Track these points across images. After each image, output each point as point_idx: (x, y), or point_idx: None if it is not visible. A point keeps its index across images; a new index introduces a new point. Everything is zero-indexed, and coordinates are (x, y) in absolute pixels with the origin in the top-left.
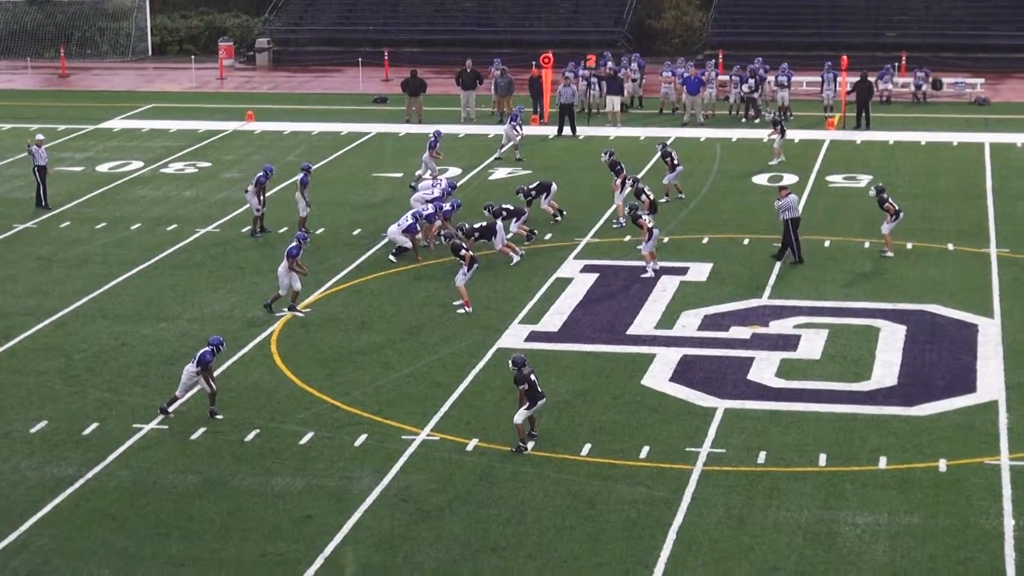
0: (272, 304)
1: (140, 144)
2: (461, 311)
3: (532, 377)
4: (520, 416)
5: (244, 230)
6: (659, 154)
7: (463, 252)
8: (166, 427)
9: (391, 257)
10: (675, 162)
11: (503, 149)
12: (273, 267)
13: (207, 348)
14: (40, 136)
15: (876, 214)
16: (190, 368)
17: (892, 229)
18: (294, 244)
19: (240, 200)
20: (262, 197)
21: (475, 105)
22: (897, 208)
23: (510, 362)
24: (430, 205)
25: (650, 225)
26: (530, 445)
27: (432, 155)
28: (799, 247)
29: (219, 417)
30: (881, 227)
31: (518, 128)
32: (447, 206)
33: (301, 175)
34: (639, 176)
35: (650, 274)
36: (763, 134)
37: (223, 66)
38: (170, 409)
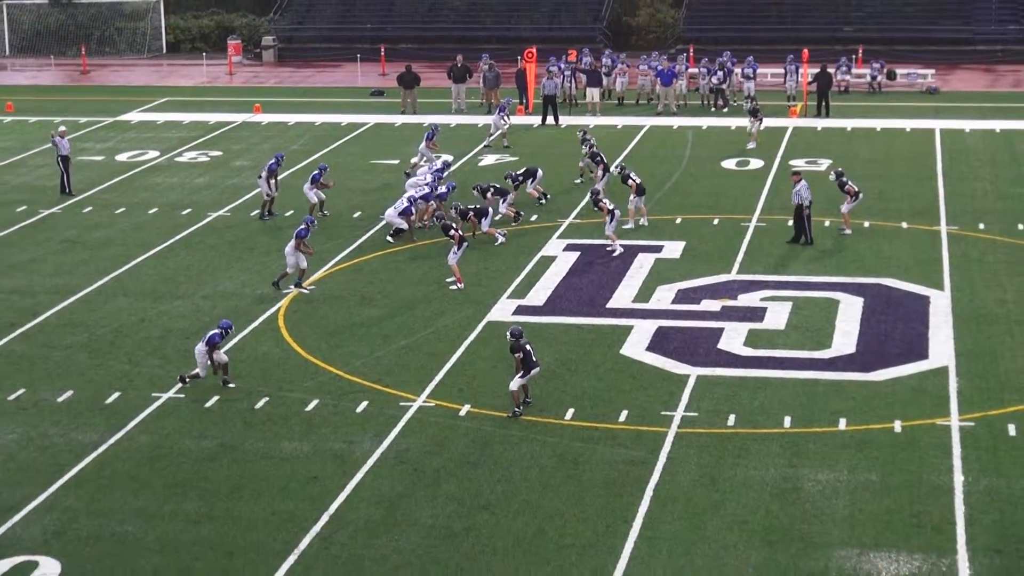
0: (280, 282)
1: (156, 135)
2: (454, 287)
3: (527, 347)
4: (515, 384)
5: (253, 213)
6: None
7: (452, 232)
8: (183, 396)
9: (389, 238)
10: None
11: (491, 137)
12: (280, 248)
13: (216, 330)
14: (63, 128)
15: (836, 195)
16: (200, 347)
17: (851, 209)
18: (303, 226)
19: (249, 186)
20: (273, 183)
21: (465, 97)
22: (857, 190)
23: (508, 333)
24: (426, 187)
25: (610, 207)
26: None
27: (429, 146)
28: (810, 229)
29: (231, 385)
30: (841, 207)
31: (505, 118)
32: (442, 188)
33: (315, 172)
34: (624, 163)
35: (618, 251)
36: (731, 122)
37: (232, 62)
38: (187, 378)
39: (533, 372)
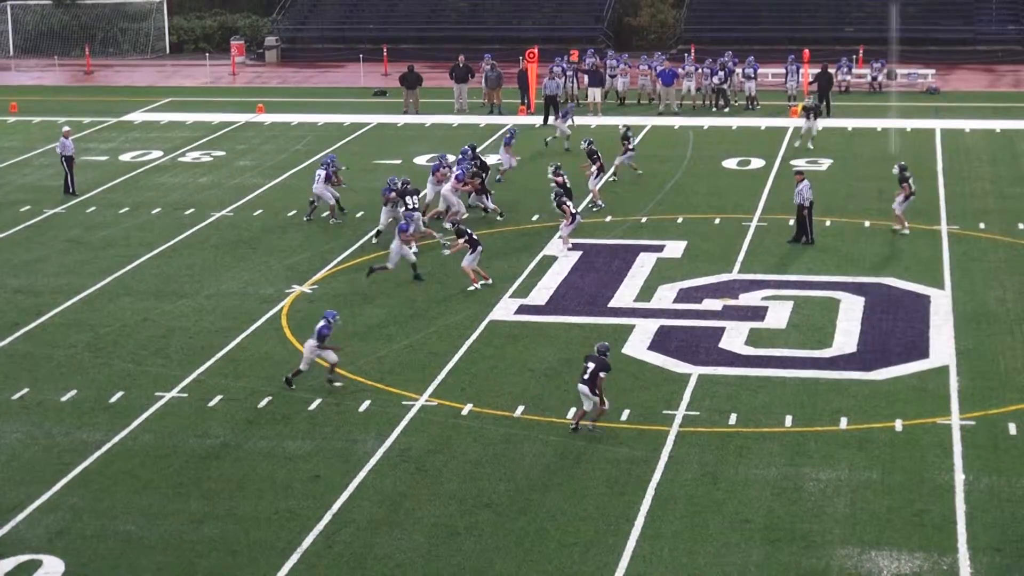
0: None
1: (159, 135)
2: (471, 288)
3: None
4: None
5: (256, 213)
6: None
7: (468, 237)
8: (185, 395)
9: (374, 240)
10: (630, 146)
11: (552, 139)
12: (283, 247)
13: (323, 323)
14: (67, 128)
15: (834, 194)
16: (311, 343)
17: (904, 209)
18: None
19: (252, 186)
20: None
21: (467, 97)
22: (912, 190)
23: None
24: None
25: (573, 211)
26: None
27: (508, 150)
28: (812, 229)
29: (337, 384)
30: (893, 204)
31: (571, 121)
32: (457, 170)
33: (322, 169)
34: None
35: (566, 254)
36: (732, 122)
37: (235, 63)
38: (291, 378)
39: (479, 250)
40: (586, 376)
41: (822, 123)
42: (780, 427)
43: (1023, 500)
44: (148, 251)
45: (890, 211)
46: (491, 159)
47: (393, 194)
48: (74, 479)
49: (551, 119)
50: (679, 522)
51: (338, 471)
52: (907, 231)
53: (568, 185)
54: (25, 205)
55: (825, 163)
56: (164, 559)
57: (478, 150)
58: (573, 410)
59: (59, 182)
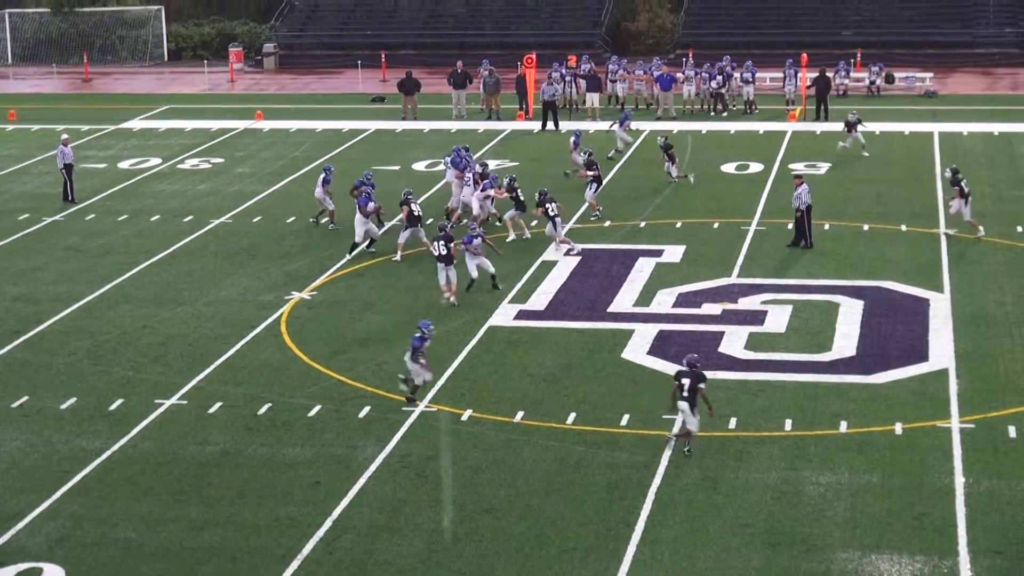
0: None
1: (158, 142)
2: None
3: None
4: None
5: (255, 220)
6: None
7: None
8: (185, 402)
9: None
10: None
11: (617, 151)
12: (282, 254)
13: (416, 334)
14: (65, 136)
15: (833, 198)
16: (406, 358)
17: (969, 212)
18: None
19: (251, 192)
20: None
21: (466, 103)
22: (967, 191)
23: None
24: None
25: (552, 214)
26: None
27: (576, 152)
28: (810, 233)
29: (413, 399)
30: (952, 209)
31: (629, 129)
32: (474, 172)
33: (323, 175)
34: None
35: (576, 250)
36: (730, 127)
37: (233, 69)
38: (411, 392)
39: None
40: (685, 393)
41: (820, 127)
42: (780, 431)
43: (1023, 503)
44: (147, 258)
45: (887, 215)
46: (492, 164)
47: (372, 204)
48: (74, 487)
49: (549, 124)
50: (679, 527)
51: (338, 477)
52: (982, 231)
53: (522, 198)
54: (24, 213)
55: (823, 167)
56: (164, 566)
57: (474, 155)
58: (574, 415)
59: (58, 190)
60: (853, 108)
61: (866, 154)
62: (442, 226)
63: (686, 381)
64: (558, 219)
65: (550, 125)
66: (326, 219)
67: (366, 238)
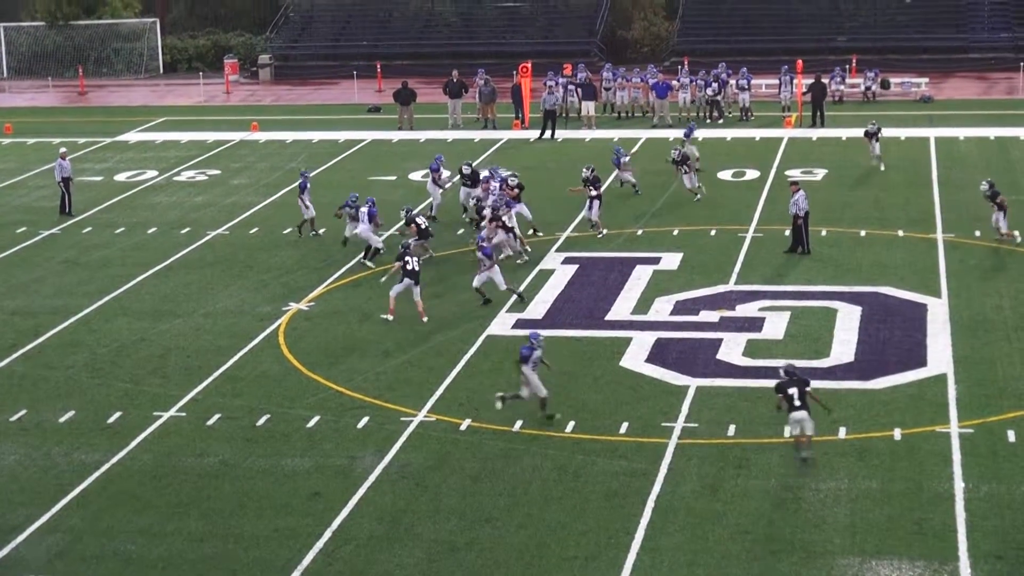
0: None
1: (154, 155)
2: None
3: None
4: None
5: (252, 231)
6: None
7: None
8: (184, 414)
9: (369, 263)
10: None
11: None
12: (279, 265)
13: (525, 344)
14: (63, 149)
15: (830, 204)
16: (525, 368)
17: (1007, 223)
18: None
19: (247, 204)
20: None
21: (461, 112)
22: (1004, 203)
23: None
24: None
25: (510, 224)
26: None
27: (623, 168)
28: (807, 239)
29: (556, 416)
30: (996, 222)
31: (695, 141)
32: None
33: (300, 180)
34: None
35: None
36: (727, 133)
37: (229, 81)
38: (507, 398)
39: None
40: (797, 403)
41: (816, 133)
42: (779, 438)
43: (1023, 507)
44: (144, 271)
45: (885, 220)
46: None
47: (347, 209)
48: (73, 500)
49: (547, 133)
50: (679, 534)
51: (337, 488)
52: (1018, 238)
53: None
54: (21, 226)
55: (820, 173)
56: None
57: (473, 164)
58: (572, 423)
59: (54, 203)
60: (872, 118)
61: (882, 168)
62: (404, 244)
63: (794, 391)
64: (515, 229)
65: (547, 134)
66: (307, 227)
67: (370, 249)
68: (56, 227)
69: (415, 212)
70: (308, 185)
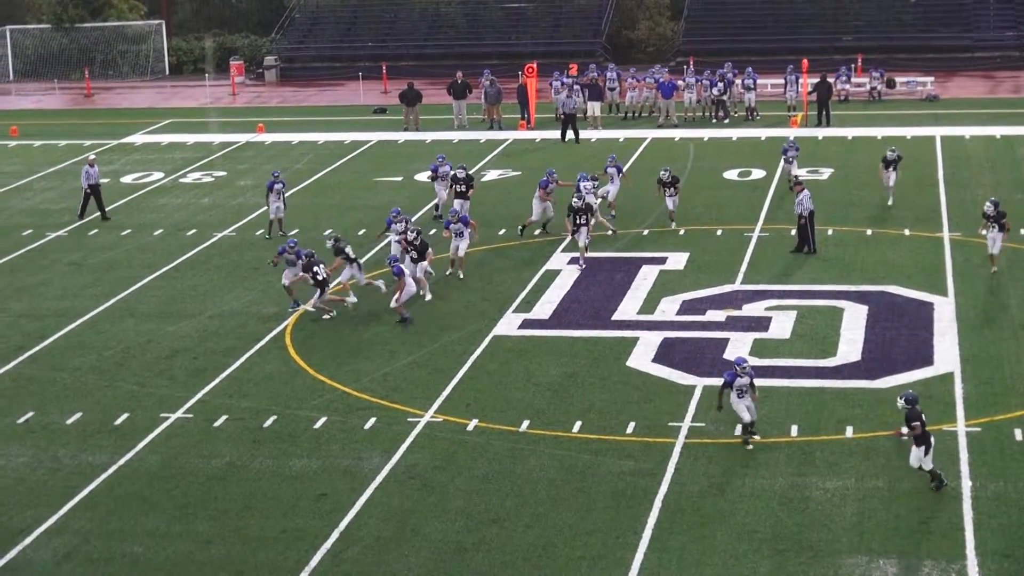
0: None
1: (160, 156)
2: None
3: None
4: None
5: (258, 232)
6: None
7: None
8: (191, 416)
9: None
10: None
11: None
12: (281, 268)
13: (729, 370)
14: (92, 156)
15: (835, 203)
16: (733, 397)
17: (1000, 246)
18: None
19: (254, 205)
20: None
21: (467, 113)
22: (1006, 223)
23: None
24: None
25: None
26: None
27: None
28: (813, 239)
29: (756, 438)
30: (992, 251)
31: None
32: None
33: (272, 180)
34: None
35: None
36: (732, 133)
37: (235, 83)
38: (749, 437)
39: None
40: (920, 434)
41: (822, 132)
42: (786, 437)
43: None
44: (151, 272)
45: (891, 219)
46: (492, 174)
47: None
48: (80, 502)
49: (568, 135)
50: (686, 534)
51: (344, 489)
52: (995, 269)
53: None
54: (27, 229)
55: (826, 172)
56: None
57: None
58: (579, 423)
59: (61, 205)
60: (892, 145)
61: (890, 202)
62: (308, 253)
63: (917, 425)
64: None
65: (570, 135)
66: (275, 227)
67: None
68: (62, 229)
69: (343, 242)
70: (275, 186)
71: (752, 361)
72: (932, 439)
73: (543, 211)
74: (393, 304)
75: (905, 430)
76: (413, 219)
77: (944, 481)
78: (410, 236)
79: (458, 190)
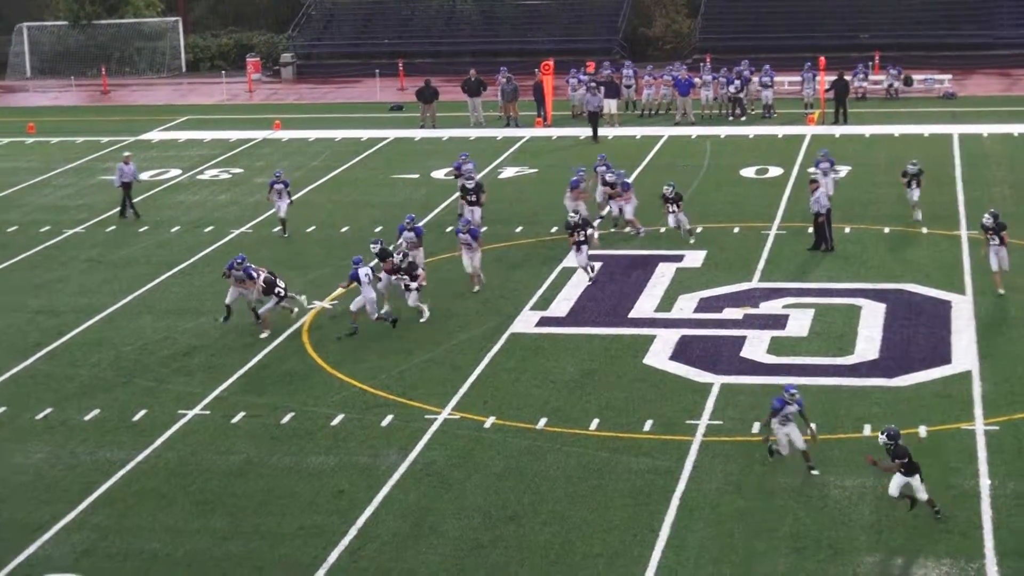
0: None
1: (177, 153)
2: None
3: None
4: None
5: (275, 230)
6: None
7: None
8: (208, 412)
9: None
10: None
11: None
12: (300, 264)
13: (778, 396)
14: (127, 153)
15: (853, 201)
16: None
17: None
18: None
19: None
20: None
21: (483, 110)
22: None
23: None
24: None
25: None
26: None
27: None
28: (831, 236)
29: (815, 472)
30: (1001, 266)
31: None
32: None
33: (272, 180)
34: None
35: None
36: (749, 131)
37: (251, 80)
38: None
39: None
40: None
41: (839, 130)
42: (803, 435)
43: None
44: (168, 269)
45: (908, 217)
46: (509, 172)
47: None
48: (99, 498)
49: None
50: (704, 532)
51: (362, 486)
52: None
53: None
54: (45, 225)
55: (843, 170)
56: None
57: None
58: (597, 421)
59: (78, 202)
60: (913, 159)
61: (919, 216)
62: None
63: (905, 461)
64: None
65: (602, 132)
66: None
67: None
68: (80, 226)
69: (394, 248)
70: (275, 185)
71: (769, 359)
72: (920, 468)
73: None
74: (353, 308)
75: (877, 458)
76: (428, 218)
77: (939, 509)
78: (397, 259)
79: (468, 200)
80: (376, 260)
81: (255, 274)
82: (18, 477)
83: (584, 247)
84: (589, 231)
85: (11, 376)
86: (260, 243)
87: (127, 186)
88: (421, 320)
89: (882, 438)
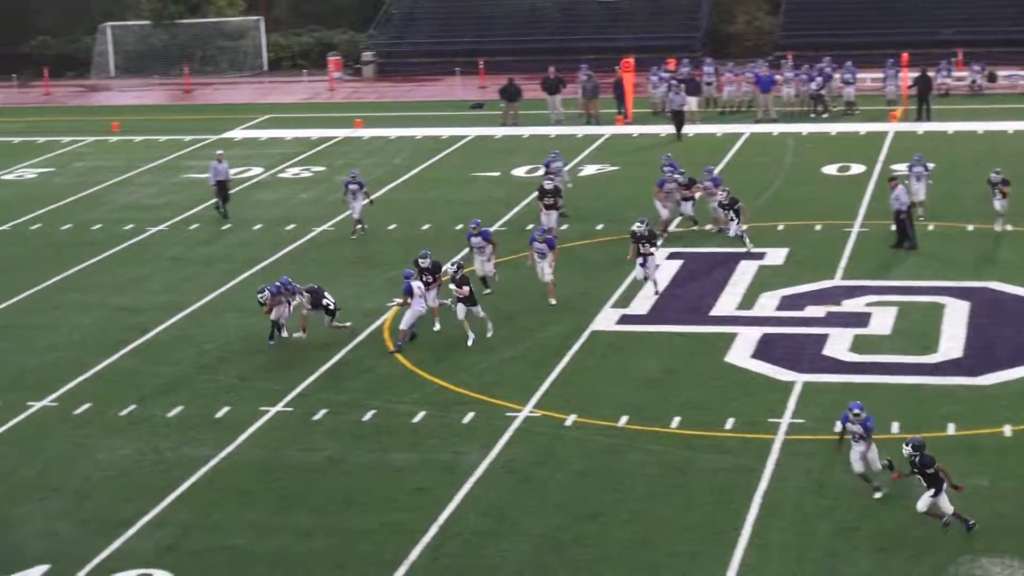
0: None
1: (259, 151)
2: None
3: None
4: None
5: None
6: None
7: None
8: (291, 409)
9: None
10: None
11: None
12: (384, 261)
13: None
14: (220, 151)
15: (936, 198)
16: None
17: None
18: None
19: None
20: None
21: (563, 108)
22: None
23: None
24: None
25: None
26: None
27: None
28: (913, 233)
29: (877, 495)
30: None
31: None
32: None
33: (347, 180)
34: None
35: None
36: (831, 128)
37: (333, 78)
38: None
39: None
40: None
41: (922, 127)
42: (886, 434)
43: None
44: (250, 267)
45: (993, 214)
46: (590, 169)
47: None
48: (182, 494)
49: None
50: (786, 531)
51: (443, 483)
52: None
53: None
54: (128, 223)
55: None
56: (272, 573)
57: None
58: (678, 419)
59: (161, 200)
60: (997, 167)
61: (1008, 228)
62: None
63: (939, 467)
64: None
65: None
66: (359, 227)
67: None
68: (163, 224)
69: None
70: (350, 186)
71: (852, 357)
72: (944, 484)
73: (669, 211)
74: (403, 326)
75: (906, 472)
76: (508, 216)
77: (971, 523)
78: (423, 264)
79: (546, 202)
80: (428, 276)
81: (297, 290)
82: (103, 473)
83: (650, 259)
84: (652, 249)
85: (96, 373)
86: (341, 241)
87: (221, 184)
88: (488, 335)
89: (907, 449)
